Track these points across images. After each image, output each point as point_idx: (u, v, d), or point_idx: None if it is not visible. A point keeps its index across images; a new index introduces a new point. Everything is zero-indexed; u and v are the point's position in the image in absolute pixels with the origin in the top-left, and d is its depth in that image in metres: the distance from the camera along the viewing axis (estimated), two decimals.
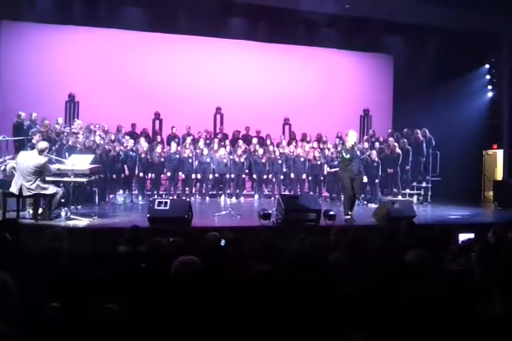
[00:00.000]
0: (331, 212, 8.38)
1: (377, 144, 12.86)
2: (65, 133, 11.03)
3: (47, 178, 7.84)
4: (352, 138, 8.68)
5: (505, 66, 14.23)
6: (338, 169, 9.66)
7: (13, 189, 7.55)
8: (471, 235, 5.75)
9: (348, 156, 8.54)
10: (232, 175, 12.32)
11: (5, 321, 2.06)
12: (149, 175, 11.72)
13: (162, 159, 11.79)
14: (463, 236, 5.59)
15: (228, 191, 12.47)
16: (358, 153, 8.87)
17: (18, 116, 11.35)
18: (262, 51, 14.83)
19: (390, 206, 8.51)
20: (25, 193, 7.55)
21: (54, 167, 8.01)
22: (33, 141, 9.56)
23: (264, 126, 13.72)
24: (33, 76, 13.06)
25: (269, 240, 4.39)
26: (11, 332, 1.87)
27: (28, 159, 7.61)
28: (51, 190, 7.72)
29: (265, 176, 12.61)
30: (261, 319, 2.47)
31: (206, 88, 14.15)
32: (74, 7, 12.87)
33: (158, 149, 11.83)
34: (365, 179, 9.95)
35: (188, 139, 12.45)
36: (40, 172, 7.60)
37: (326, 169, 12.40)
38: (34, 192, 7.56)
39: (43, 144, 7.87)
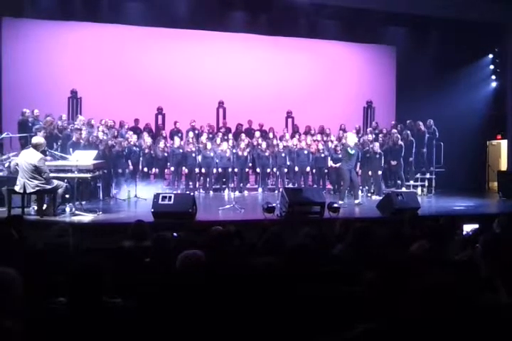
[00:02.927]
0: (335, 205, 8.38)
1: (380, 136, 12.83)
2: (69, 130, 11.03)
3: (51, 174, 7.80)
4: (351, 138, 10.24)
5: (509, 56, 14.13)
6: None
7: (17, 187, 7.53)
8: (476, 226, 5.73)
9: (353, 152, 10.06)
10: (236, 169, 12.32)
11: (11, 317, 2.07)
12: (153, 169, 11.75)
13: (165, 154, 11.82)
14: (468, 227, 5.59)
15: (232, 185, 12.46)
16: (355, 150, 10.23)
17: (23, 113, 11.31)
18: (264, 44, 14.75)
19: (394, 198, 8.49)
20: (29, 190, 7.51)
21: (56, 164, 7.97)
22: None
23: (267, 119, 13.68)
24: (36, 72, 13.03)
25: (276, 233, 4.39)
26: (16, 328, 1.88)
27: (27, 158, 7.55)
28: (54, 183, 7.68)
29: (269, 169, 12.61)
30: (266, 312, 2.47)
31: (208, 82, 14.11)
32: (75, 3, 12.82)
33: (162, 144, 11.84)
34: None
35: (191, 134, 12.45)
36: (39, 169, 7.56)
37: (330, 162, 12.38)
38: (37, 188, 7.52)
39: (37, 139, 7.77)
